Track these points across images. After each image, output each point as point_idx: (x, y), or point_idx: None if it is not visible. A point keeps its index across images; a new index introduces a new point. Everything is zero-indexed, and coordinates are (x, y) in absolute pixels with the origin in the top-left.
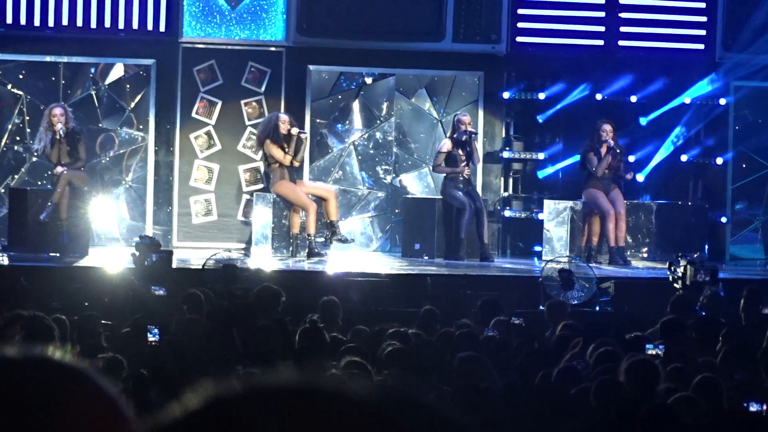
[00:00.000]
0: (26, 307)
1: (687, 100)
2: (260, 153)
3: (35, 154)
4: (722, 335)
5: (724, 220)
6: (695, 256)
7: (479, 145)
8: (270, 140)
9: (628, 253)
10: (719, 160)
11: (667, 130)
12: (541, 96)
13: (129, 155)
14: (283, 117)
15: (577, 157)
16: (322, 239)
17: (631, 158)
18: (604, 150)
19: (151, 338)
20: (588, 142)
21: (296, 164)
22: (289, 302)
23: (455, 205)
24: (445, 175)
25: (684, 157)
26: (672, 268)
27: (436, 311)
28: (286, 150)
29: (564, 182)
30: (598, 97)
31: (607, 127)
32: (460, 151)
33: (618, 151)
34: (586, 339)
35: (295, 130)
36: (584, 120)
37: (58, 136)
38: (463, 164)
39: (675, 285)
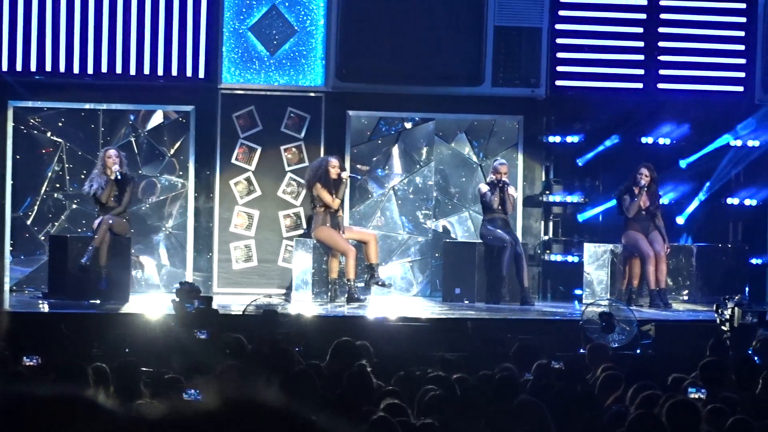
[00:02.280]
0: (66, 354)
1: (735, 143)
2: (304, 196)
3: (87, 195)
4: (762, 377)
5: (758, 261)
6: (739, 297)
7: (518, 189)
8: (320, 184)
9: (671, 295)
10: (757, 203)
11: (707, 172)
12: (580, 140)
13: (169, 202)
14: (333, 161)
15: (614, 201)
16: (362, 284)
17: (665, 199)
18: (637, 191)
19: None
20: (624, 185)
21: (338, 207)
22: (328, 346)
23: (495, 244)
24: (482, 218)
25: (724, 200)
26: (719, 310)
27: (476, 355)
28: (334, 194)
29: (604, 225)
30: (638, 140)
31: (644, 171)
32: (495, 198)
33: (654, 190)
34: (629, 382)
35: (345, 174)
36: (624, 163)
37: (113, 177)
38: (499, 207)
39: (722, 327)
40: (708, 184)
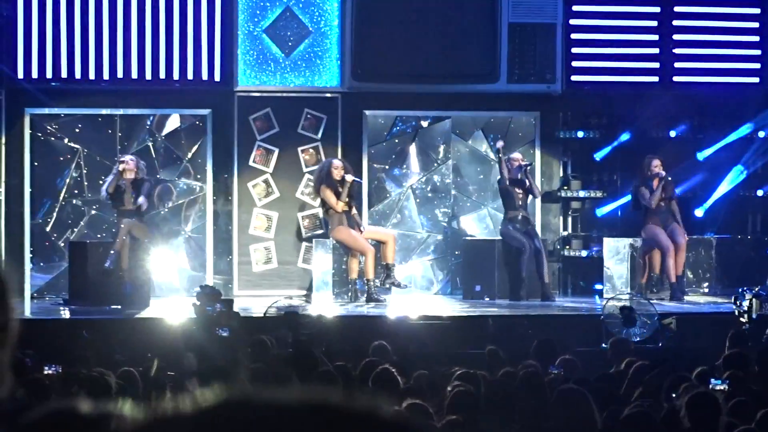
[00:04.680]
0: (88, 359)
1: (761, 134)
2: (318, 199)
3: (103, 199)
4: None
5: None
6: (758, 289)
7: (537, 183)
8: (324, 186)
9: (690, 287)
10: None
11: (725, 164)
12: (596, 134)
13: (187, 205)
14: (336, 163)
15: (629, 196)
16: (381, 283)
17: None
18: (656, 183)
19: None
20: (637, 179)
21: (344, 208)
22: (350, 347)
23: (514, 245)
24: (503, 215)
25: (742, 191)
26: (738, 302)
27: (499, 352)
28: (340, 195)
29: (623, 219)
30: (655, 133)
31: (656, 162)
32: (517, 189)
33: (669, 179)
34: (653, 376)
35: (349, 177)
36: (641, 156)
37: (128, 182)
38: (519, 203)
39: (741, 319)
40: (726, 175)
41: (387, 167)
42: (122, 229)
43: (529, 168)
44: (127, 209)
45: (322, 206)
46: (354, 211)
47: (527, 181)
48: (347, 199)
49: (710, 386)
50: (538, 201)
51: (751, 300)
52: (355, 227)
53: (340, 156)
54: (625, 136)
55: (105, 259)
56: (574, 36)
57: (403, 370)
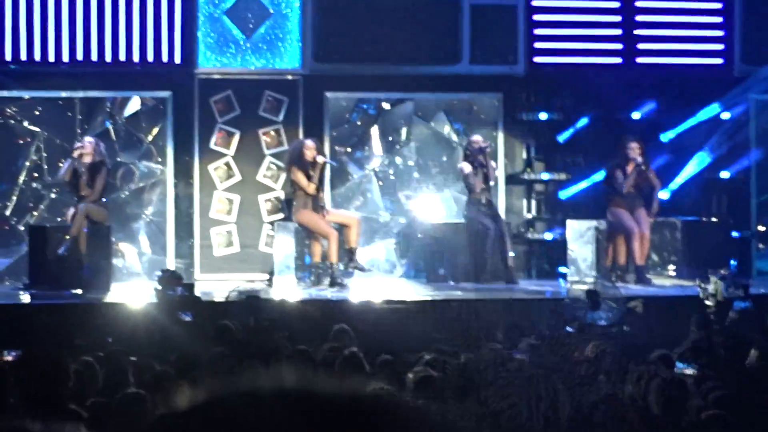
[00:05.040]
0: (48, 345)
1: (724, 115)
2: (285, 179)
3: (61, 181)
4: (753, 351)
5: (740, 235)
6: (723, 271)
7: (500, 168)
8: (296, 167)
9: (656, 270)
10: (740, 175)
11: (690, 146)
12: (560, 116)
13: (148, 189)
14: (309, 144)
15: (600, 175)
16: (344, 267)
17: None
18: (630, 168)
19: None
20: (614, 159)
21: (314, 191)
22: (312, 331)
23: (478, 228)
24: (467, 198)
25: (707, 173)
26: (702, 285)
27: (462, 336)
28: (311, 177)
29: (587, 202)
30: (619, 115)
31: (634, 145)
32: (479, 179)
33: (644, 168)
34: (619, 359)
35: (321, 159)
36: (605, 139)
37: (83, 168)
38: (483, 186)
39: (706, 302)
40: (691, 157)
41: (349, 150)
42: (79, 215)
43: (489, 150)
44: (83, 194)
45: (291, 187)
46: (321, 194)
47: (485, 163)
48: (319, 182)
49: (676, 370)
50: (502, 184)
51: (716, 283)
52: (319, 211)
53: (302, 136)
54: (588, 119)
55: (61, 245)
56: (536, 17)
57: (367, 355)
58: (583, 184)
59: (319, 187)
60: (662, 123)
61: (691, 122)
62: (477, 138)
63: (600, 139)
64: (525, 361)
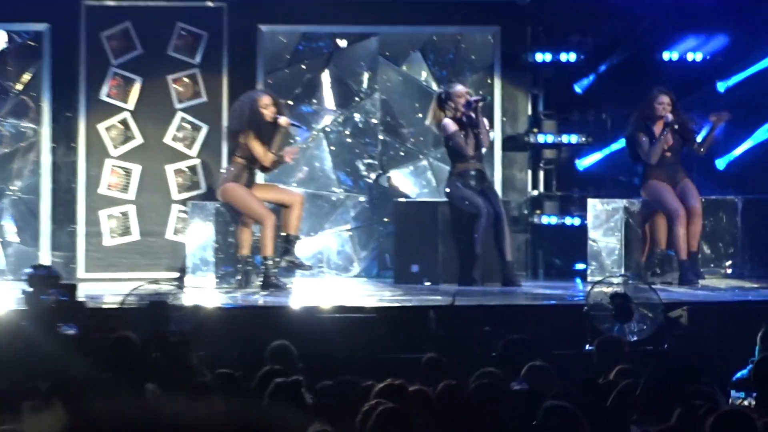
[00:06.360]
0: None
1: None
2: (201, 143)
3: None
4: None
5: None
6: None
7: (496, 127)
8: (250, 130)
9: (708, 267)
10: None
11: (755, 100)
12: (579, 58)
13: (16, 155)
14: (265, 99)
15: (623, 142)
16: (282, 263)
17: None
18: (659, 128)
19: None
20: (635, 120)
21: (273, 163)
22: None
23: (465, 209)
24: (450, 169)
25: None
26: None
27: (442, 359)
28: (270, 146)
29: (614, 174)
30: (657, 55)
31: (663, 98)
32: (470, 140)
33: (677, 127)
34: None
35: (283, 120)
36: (641, 87)
37: None
38: (472, 152)
39: None
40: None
41: (291, 103)
42: None
43: (482, 105)
44: None
45: (240, 154)
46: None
47: (479, 123)
48: (278, 150)
49: (731, 400)
50: (498, 149)
51: None
52: (252, 186)
53: (261, 92)
54: (616, 60)
55: None
56: None
57: (311, 382)
58: (609, 150)
59: (278, 158)
60: (718, 66)
61: (760, 65)
62: (461, 89)
63: (634, 87)
64: (528, 391)
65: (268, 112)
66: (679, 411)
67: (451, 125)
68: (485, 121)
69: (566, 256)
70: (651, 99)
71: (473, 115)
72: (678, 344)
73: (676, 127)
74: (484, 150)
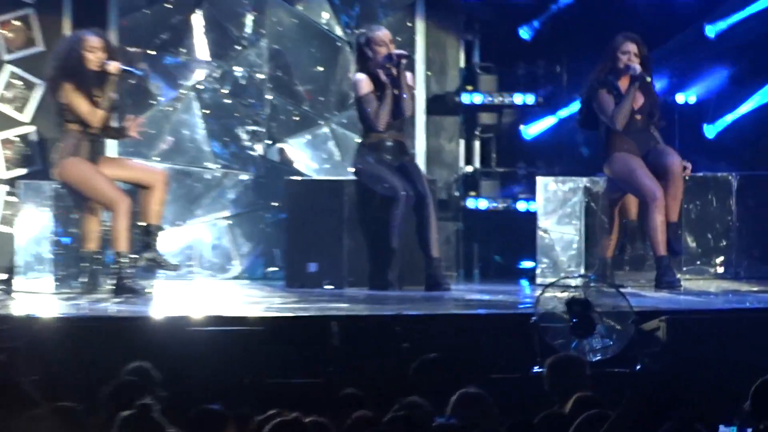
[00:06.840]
0: None
1: None
2: (37, 105)
3: None
4: None
5: None
6: None
7: (419, 82)
8: (71, 83)
9: (694, 264)
10: None
11: (755, 50)
12: None
13: None
14: (92, 40)
15: (578, 105)
16: (142, 261)
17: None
18: (625, 83)
19: None
20: (595, 74)
21: (101, 123)
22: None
23: (378, 191)
24: (360, 139)
25: None
26: None
27: (354, 390)
28: (98, 100)
29: (572, 145)
30: None
31: (630, 46)
32: (386, 101)
33: (648, 80)
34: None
35: (113, 67)
36: (605, 32)
37: None
38: (387, 119)
39: None
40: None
41: (153, 53)
42: None
43: (406, 61)
44: None
45: (59, 115)
46: (111, 131)
47: (402, 83)
48: (109, 106)
49: None
50: (421, 113)
51: None
52: (98, 161)
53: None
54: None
55: None
56: None
57: (178, 411)
58: (564, 112)
59: (110, 117)
60: (705, 7)
61: (751, 9)
62: (382, 35)
63: (594, 33)
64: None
65: (94, 57)
66: None
67: (364, 84)
68: (409, 77)
69: (509, 251)
70: (614, 48)
71: (394, 71)
72: (653, 365)
73: (648, 80)
74: (406, 114)
